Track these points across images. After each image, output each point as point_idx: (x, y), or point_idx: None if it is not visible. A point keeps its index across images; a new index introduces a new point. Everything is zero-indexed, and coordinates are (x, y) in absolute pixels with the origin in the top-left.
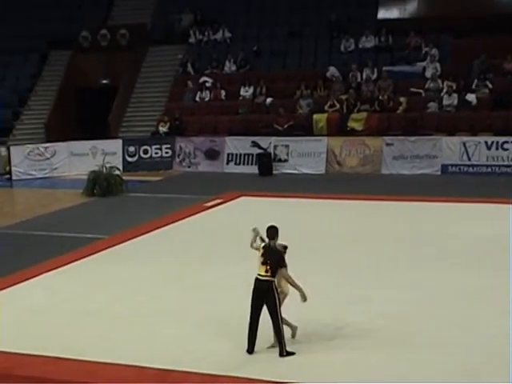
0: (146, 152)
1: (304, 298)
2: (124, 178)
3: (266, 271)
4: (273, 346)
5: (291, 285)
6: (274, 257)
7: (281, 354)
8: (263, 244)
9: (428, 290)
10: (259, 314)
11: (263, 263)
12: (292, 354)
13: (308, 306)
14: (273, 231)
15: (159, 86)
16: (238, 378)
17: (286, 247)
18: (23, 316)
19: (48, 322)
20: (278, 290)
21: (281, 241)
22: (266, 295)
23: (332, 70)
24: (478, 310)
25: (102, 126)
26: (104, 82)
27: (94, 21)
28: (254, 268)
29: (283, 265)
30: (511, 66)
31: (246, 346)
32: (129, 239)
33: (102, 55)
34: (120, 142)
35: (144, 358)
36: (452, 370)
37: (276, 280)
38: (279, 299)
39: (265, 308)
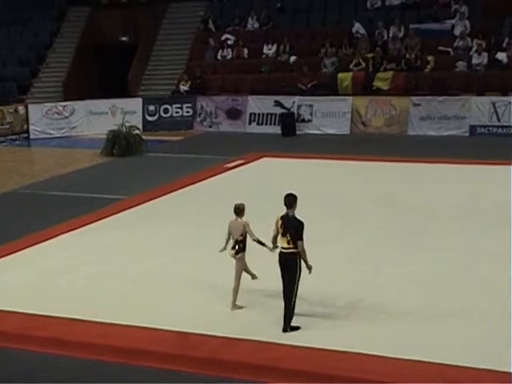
0: (166, 111)
1: (310, 270)
2: (144, 137)
3: (288, 242)
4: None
5: (302, 258)
6: (293, 227)
7: (284, 330)
8: (281, 215)
9: (456, 253)
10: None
11: (283, 234)
12: (297, 328)
13: (331, 268)
14: (291, 199)
15: (180, 44)
16: (256, 341)
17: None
18: (41, 277)
19: (65, 283)
20: None
21: (304, 202)
22: (288, 266)
23: (357, 26)
24: (506, 273)
25: (122, 84)
26: (123, 39)
27: None
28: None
29: (301, 238)
30: None
31: (264, 311)
32: (148, 200)
33: (121, 12)
34: (140, 100)
35: (161, 320)
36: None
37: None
38: (300, 274)
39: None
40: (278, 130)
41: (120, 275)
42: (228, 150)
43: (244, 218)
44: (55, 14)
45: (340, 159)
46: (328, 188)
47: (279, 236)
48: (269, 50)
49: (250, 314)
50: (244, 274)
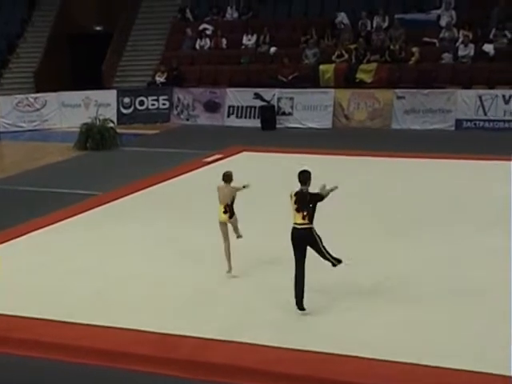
0: (141, 103)
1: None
2: (118, 130)
3: (303, 218)
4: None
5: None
6: (309, 199)
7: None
8: (294, 191)
9: (441, 249)
10: (303, 264)
11: (298, 210)
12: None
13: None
14: (305, 176)
15: (156, 34)
16: (237, 342)
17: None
18: (12, 276)
19: (38, 282)
20: None
21: (285, 198)
22: (307, 242)
23: (341, 16)
24: (492, 271)
25: (96, 75)
26: (98, 28)
27: None
28: (252, 229)
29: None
30: None
31: (245, 311)
32: (123, 196)
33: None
34: (114, 92)
35: (139, 321)
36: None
37: None
38: (321, 241)
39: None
40: (257, 123)
41: (96, 274)
42: (206, 143)
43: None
44: (26, 1)
45: (322, 154)
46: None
47: (293, 212)
48: (248, 40)
49: (233, 314)
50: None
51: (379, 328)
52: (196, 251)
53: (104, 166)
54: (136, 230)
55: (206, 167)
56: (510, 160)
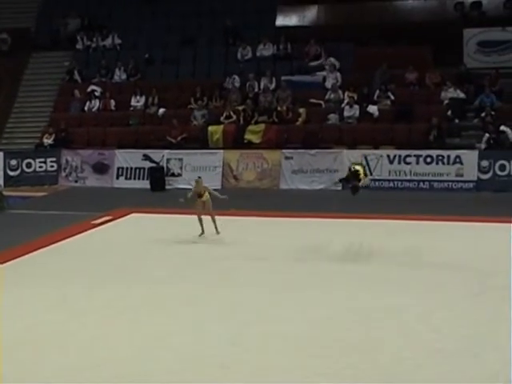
0: (29, 165)
1: None
2: (5, 193)
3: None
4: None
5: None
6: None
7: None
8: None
9: (326, 310)
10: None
11: None
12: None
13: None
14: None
15: (44, 95)
16: None
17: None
18: None
19: None
20: None
21: (172, 264)
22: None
23: (233, 78)
24: (379, 332)
25: None
26: None
27: None
28: (142, 292)
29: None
30: (413, 77)
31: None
32: (9, 260)
33: None
34: (1, 154)
35: None
36: None
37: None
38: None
39: None
40: (146, 184)
41: None
42: (95, 205)
43: None
44: None
45: (210, 215)
46: (197, 244)
47: None
48: (137, 102)
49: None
50: None
51: None
52: (83, 315)
53: None
54: (22, 294)
55: (94, 229)
56: (393, 219)
